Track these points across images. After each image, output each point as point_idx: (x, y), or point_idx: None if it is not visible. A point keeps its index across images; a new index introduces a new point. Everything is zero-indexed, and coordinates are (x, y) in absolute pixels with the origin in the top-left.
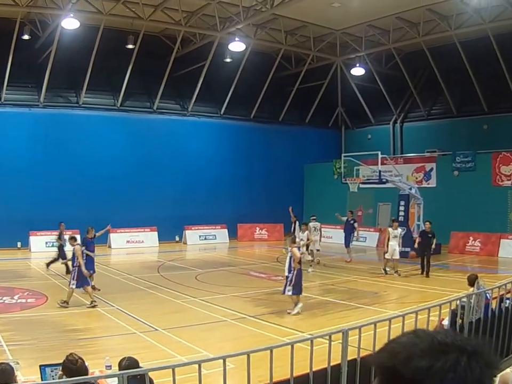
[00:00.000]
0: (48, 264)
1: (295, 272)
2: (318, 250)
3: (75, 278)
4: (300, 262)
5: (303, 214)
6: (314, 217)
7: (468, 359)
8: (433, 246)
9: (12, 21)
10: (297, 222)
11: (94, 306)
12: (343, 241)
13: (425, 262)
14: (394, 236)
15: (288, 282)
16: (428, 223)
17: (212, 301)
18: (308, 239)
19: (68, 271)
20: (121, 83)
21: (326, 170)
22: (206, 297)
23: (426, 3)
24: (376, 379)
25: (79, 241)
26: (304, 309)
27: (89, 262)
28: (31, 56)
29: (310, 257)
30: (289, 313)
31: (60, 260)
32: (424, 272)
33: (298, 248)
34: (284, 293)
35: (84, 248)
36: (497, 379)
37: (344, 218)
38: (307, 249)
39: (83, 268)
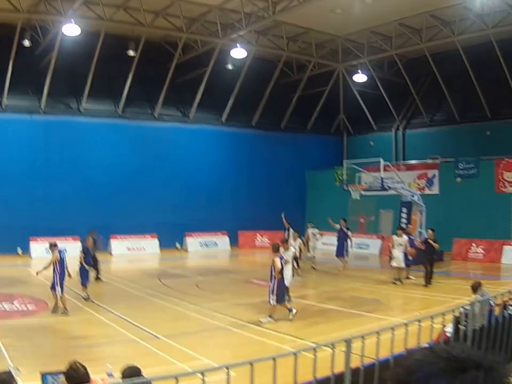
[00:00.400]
0: (96, 278)
1: (276, 281)
2: (313, 257)
3: (58, 284)
4: (281, 272)
5: (304, 221)
6: (312, 224)
7: (484, 376)
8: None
9: (13, 27)
10: (290, 229)
11: (64, 313)
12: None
13: (427, 270)
14: (399, 244)
15: (271, 292)
16: (430, 230)
17: (213, 308)
18: (300, 247)
19: (97, 277)
20: (122, 90)
21: (328, 177)
22: (207, 305)
23: (429, 9)
24: None
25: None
26: (306, 316)
27: (85, 273)
28: (31, 62)
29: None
30: (290, 319)
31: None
32: (427, 279)
33: (282, 257)
34: (269, 302)
35: (83, 256)
36: None
37: (337, 226)
38: (297, 262)
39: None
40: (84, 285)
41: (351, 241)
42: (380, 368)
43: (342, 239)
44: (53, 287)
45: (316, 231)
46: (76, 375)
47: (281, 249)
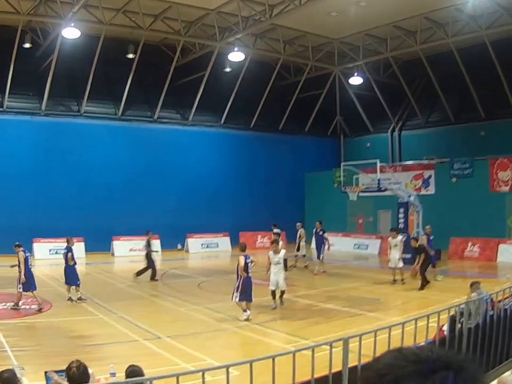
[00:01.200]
0: (138, 274)
1: (241, 280)
2: (304, 256)
3: (20, 282)
4: (246, 270)
5: (304, 222)
6: (301, 224)
7: (454, 376)
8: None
9: (13, 29)
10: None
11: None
12: (345, 249)
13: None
14: (395, 245)
15: (235, 289)
16: (414, 240)
17: (215, 309)
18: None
19: (152, 277)
20: (122, 92)
21: (326, 179)
22: (209, 305)
23: (423, 11)
24: None
25: (23, 247)
26: (307, 316)
27: (74, 272)
28: (32, 64)
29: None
30: (241, 320)
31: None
32: (423, 282)
33: (247, 257)
34: (232, 299)
35: (70, 254)
36: (495, 382)
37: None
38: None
39: (22, 275)
40: (72, 285)
41: (327, 243)
42: None
43: (320, 242)
44: (18, 284)
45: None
46: (71, 374)
47: (271, 252)
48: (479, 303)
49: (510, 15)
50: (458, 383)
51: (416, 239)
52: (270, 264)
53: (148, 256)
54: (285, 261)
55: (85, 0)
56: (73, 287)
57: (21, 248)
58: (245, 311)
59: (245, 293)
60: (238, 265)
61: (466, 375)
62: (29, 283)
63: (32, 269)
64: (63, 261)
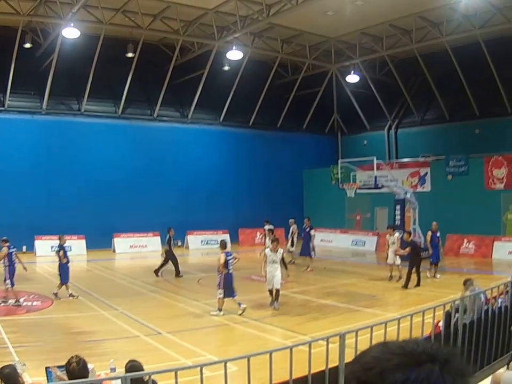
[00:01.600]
0: (157, 271)
1: (222, 276)
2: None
3: (8, 278)
4: (226, 267)
5: (303, 218)
6: (268, 221)
7: (440, 369)
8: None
9: (14, 29)
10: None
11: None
12: (343, 246)
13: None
14: (392, 243)
15: (217, 286)
16: (406, 234)
17: (215, 305)
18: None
19: (177, 274)
20: (122, 91)
21: (324, 176)
22: (209, 301)
23: (417, 10)
24: None
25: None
26: (305, 312)
27: (67, 270)
28: (33, 64)
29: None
30: (212, 314)
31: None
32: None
33: (228, 254)
34: (217, 296)
35: (62, 252)
36: (489, 378)
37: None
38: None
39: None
40: (63, 283)
41: (312, 240)
42: None
43: (307, 239)
44: (4, 280)
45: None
46: (70, 369)
47: (268, 250)
48: (474, 299)
49: (503, 14)
50: (444, 375)
51: (409, 233)
52: (266, 262)
53: (169, 253)
54: (283, 260)
55: (84, 0)
56: (66, 284)
57: (7, 244)
58: (239, 304)
59: (229, 288)
60: (218, 262)
61: (452, 368)
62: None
63: (16, 265)
64: (58, 258)
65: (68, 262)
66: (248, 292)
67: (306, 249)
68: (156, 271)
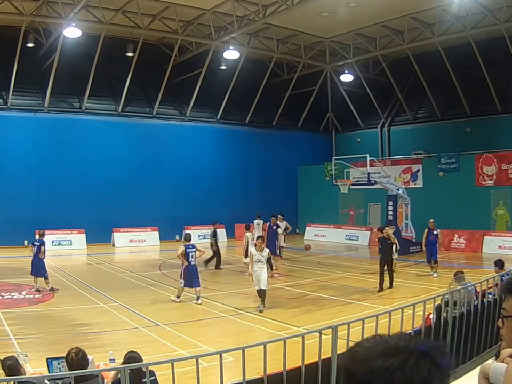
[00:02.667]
0: (207, 262)
1: (183, 267)
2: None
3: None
4: (186, 259)
5: (297, 214)
6: (259, 216)
7: (416, 359)
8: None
9: (17, 29)
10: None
11: None
12: (337, 240)
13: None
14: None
15: (180, 276)
16: (387, 228)
17: (211, 298)
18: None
19: (217, 266)
20: (122, 89)
21: (318, 172)
22: (206, 294)
23: (410, 11)
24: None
25: None
26: (300, 304)
27: (43, 265)
28: (35, 63)
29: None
30: (172, 299)
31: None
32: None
33: (188, 246)
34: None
35: (43, 248)
36: (478, 369)
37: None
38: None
39: None
40: (39, 276)
41: (279, 239)
42: None
43: (273, 237)
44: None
45: (261, 222)
46: (70, 360)
47: (253, 249)
48: (464, 293)
49: (493, 16)
50: (419, 366)
51: (380, 230)
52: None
53: (214, 245)
54: (269, 259)
55: (85, 1)
56: (42, 278)
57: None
58: (197, 297)
59: (190, 279)
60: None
61: (428, 360)
62: None
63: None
64: (64, 252)
65: (44, 257)
66: (244, 285)
67: (272, 248)
68: (206, 262)
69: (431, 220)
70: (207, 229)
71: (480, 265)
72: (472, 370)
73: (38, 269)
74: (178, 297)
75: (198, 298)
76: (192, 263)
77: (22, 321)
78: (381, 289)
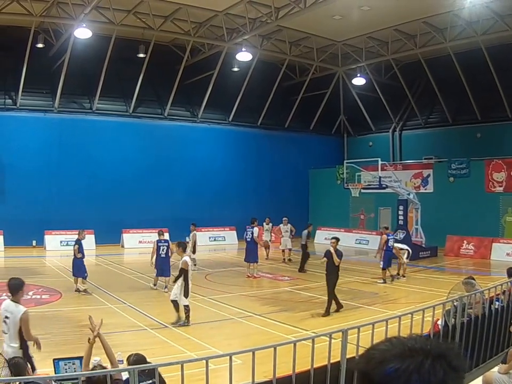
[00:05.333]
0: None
1: (155, 259)
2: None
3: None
4: (157, 252)
5: (308, 216)
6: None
7: (432, 362)
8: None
9: (27, 30)
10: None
11: None
12: (347, 244)
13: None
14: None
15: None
16: (334, 240)
17: (221, 300)
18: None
19: (301, 269)
20: (133, 90)
21: (329, 176)
22: (215, 296)
23: (422, 16)
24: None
25: None
26: (309, 308)
27: (81, 265)
28: (45, 64)
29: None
30: (151, 287)
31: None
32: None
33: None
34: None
35: (77, 247)
36: (481, 378)
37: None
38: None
39: None
40: (78, 276)
41: (250, 244)
42: None
43: (251, 243)
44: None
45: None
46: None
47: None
48: (471, 299)
49: (504, 22)
50: (435, 368)
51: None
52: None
53: (304, 247)
54: (182, 270)
55: (96, 1)
56: (80, 278)
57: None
58: (164, 286)
59: (160, 269)
60: None
61: (444, 362)
62: None
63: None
64: (72, 252)
65: (83, 257)
66: (253, 287)
67: (254, 255)
68: (300, 269)
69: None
70: (217, 230)
71: (488, 272)
72: (477, 378)
73: (76, 269)
74: (154, 285)
75: (165, 287)
76: (162, 255)
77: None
78: (327, 313)
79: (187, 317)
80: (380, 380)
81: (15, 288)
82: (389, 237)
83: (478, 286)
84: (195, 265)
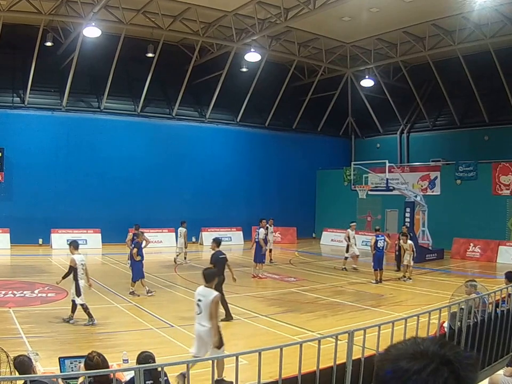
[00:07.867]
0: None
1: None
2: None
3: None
4: (137, 255)
5: (315, 218)
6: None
7: (436, 367)
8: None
9: (35, 28)
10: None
11: None
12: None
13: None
14: (406, 249)
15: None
16: (213, 244)
17: (227, 300)
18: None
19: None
20: (142, 90)
21: (337, 177)
22: None
23: (431, 18)
24: None
25: None
26: (315, 309)
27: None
28: (53, 62)
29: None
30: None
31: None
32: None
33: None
34: None
35: (136, 250)
36: (486, 381)
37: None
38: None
39: None
40: (133, 280)
41: (258, 245)
42: None
43: (258, 244)
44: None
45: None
46: (91, 363)
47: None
48: (477, 302)
49: None
50: (437, 374)
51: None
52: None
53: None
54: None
55: (105, 0)
56: (140, 280)
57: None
58: (146, 291)
59: (134, 274)
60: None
61: (448, 370)
62: None
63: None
64: (130, 256)
65: (142, 259)
66: (259, 288)
67: (259, 256)
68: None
69: (377, 227)
70: (224, 231)
71: (494, 275)
72: (483, 381)
73: (132, 271)
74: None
75: (148, 292)
76: (137, 259)
77: (33, 319)
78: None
79: (87, 314)
80: (382, 377)
81: (210, 276)
82: (378, 238)
83: (483, 288)
84: (185, 258)
